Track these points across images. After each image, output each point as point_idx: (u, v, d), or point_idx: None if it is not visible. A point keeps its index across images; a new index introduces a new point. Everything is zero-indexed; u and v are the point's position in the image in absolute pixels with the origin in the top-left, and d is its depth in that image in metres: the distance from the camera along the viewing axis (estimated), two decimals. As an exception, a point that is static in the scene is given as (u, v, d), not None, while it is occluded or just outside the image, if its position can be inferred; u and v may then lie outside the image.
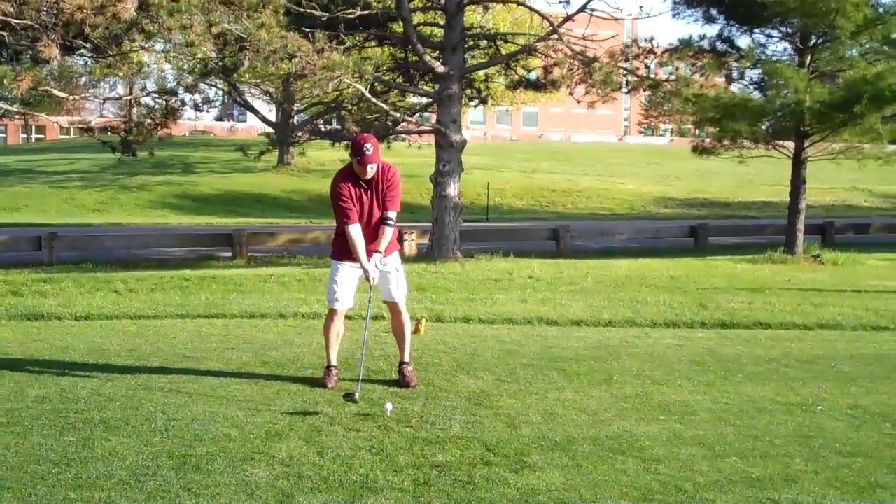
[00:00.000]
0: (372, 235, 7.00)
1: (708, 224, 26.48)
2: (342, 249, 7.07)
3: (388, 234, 7.01)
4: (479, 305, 11.84)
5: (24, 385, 7.07)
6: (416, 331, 9.61)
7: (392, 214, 7.01)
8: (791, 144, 21.46)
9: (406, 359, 7.45)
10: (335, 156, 45.75)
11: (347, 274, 7.15)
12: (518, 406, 6.68)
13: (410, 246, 19.95)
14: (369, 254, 6.94)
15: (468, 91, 22.89)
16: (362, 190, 6.95)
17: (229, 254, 20.37)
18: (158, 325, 10.33)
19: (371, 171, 6.86)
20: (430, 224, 19.87)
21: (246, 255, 20.26)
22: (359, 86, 17.73)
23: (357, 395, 6.41)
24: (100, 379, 7.29)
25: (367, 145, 6.81)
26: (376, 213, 7.00)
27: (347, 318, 7.49)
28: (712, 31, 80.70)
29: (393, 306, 7.34)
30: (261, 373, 7.61)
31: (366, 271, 6.90)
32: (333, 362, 7.32)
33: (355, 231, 6.87)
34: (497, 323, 10.75)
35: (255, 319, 10.84)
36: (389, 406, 6.45)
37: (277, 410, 6.40)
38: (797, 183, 21.28)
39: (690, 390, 7.33)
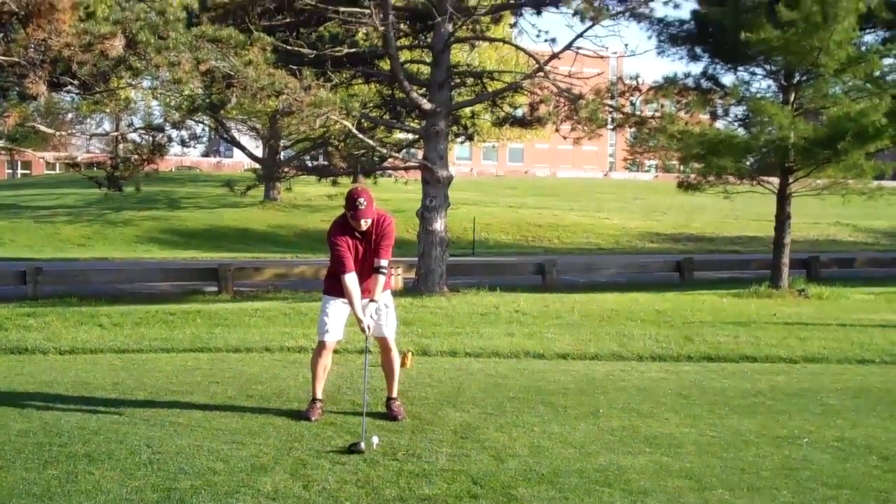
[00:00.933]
0: (365, 280, 7.05)
1: (693, 258, 26.58)
2: (334, 287, 7.12)
3: (381, 281, 7.05)
4: (466, 339, 11.82)
5: (8, 419, 7.02)
6: (402, 364, 9.56)
7: (384, 263, 7.05)
8: (776, 180, 21.61)
9: (394, 394, 7.45)
10: (321, 191, 45.91)
11: (338, 309, 7.18)
12: (505, 439, 6.66)
13: (397, 280, 19.87)
14: (363, 300, 6.98)
15: (455, 127, 23.01)
16: (357, 240, 7.02)
17: (215, 288, 20.32)
18: (143, 359, 10.28)
19: (365, 224, 6.92)
20: (417, 258, 19.88)
21: (231, 290, 20.21)
22: (346, 122, 17.81)
23: (363, 445, 6.30)
24: (84, 412, 7.24)
25: (361, 200, 6.84)
26: (369, 262, 7.05)
27: (334, 352, 7.46)
28: (697, 68, 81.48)
29: (383, 342, 7.35)
30: (246, 406, 7.58)
31: (359, 321, 6.91)
32: (319, 395, 7.30)
33: (351, 281, 6.91)
34: (484, 356, 10.73)
35: (241, 353, 10.80)
36: (376, 439, 6.42)
37: (262, 444, 6.36)
38: (782, 218, 21.41)
39: (677, 423, 7.32)
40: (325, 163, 27.68)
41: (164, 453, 6.06)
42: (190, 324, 13.71)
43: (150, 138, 19.88)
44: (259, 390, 8.27)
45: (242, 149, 43.92)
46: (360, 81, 22.33)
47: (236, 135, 46.86)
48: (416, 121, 21.93)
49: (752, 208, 44.80)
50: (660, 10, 77.36)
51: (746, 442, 6.79)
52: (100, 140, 53.16)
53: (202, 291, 20.04)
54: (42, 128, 19.48)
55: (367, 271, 7.04)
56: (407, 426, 7.00)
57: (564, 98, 19.55)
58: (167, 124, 21.17)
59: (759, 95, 21.17)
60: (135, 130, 21.81)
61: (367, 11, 18.05)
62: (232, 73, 15.95)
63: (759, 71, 21.87)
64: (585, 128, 19.53)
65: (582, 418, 7.41)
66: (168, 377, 8.97)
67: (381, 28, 18.21)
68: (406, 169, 23.10)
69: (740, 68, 21.86)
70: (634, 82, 20.06)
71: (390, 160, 22.57)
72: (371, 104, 22.63)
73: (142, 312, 14.89)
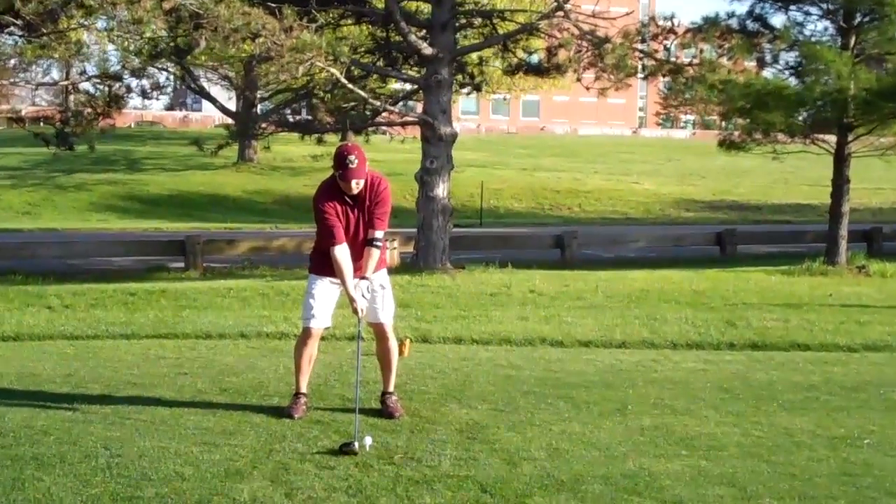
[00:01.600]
0: (357, 255, 7.00)
1: (736, 230, 26.54)
2: (322, 264, 7.08)
3: (375, 256, 7.01)
4: (473, 324, 11.83)
5: (-57, 416, 7.04)
6: (400, 353, 9.60)
7: (379, 234, 7.02)
8: (832, 138, 21.54)
9: (390, 388, 7.46)
10: (305, 150, 45.67)
11: (326, 290, 7.16)
12: (518, 440, 6.67)
13: (392, 255, 19.96)
14: (355, 278, 6.96)
15: (459, 76, 22.93)
16: (348, 206, 6.96)
17: (182, 264, 20.33)
18: (99, 347, 10.29)
19: (356, 187, 6.87)
20: (416, 230, 19.88)
21: (201, 266, 20.22)
22: (333, 70, 17.75)
23: (356, 445, 6.31)
24: (32, 409, 7.25)
25: (351, 157, 6.79)
26: (362, 232, 7.02)
27: (321, 339, 7.47)
28: (742, 7, 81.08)
29: (379, 329, 7.34)
30: (219, 402, 7.59)
31: (352, 300, 6.88)
32: (303, 389, 7.31)
33: (341, 253, 6.87)
34: (493, 344, 10.74)
35: (213, 340, 10.81)
36: (369, 440, 6.43)
37: (238, 445, 6.38)
38: (839, 183, 21.36)
39: (717, 421, 7.33)
40: (309, 117, 27.67)
41: (125, 457, 6.07)
42: (153, 306, 13.72)
43: (106, 88, 19.84)
44: (234, 383, 8.28)
45: (213, 101, 43.85)
46: (349, 22, 22.22)
47: (206, 85, 46.76)
48: (415, 68, 21.85)
49: (804, 171, 44.70)
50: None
51: (798, 443, 6.80)
52: (47, 91, 52.95)
53: (167, 268, 20.04)
54: (-22, 77, 19.45)
55: (360, 244, 7.02)
56: (405, 425, 7.01)
57: (587, 42, 19.45)
58: (125, 72, 21.13)
59: (813, 39, 21.08)
60: (88, 79, 21.77)
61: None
62: (201, 12, 15.89)
63: (814, 10, 21.75)
64: (612, 77, 19.44)
65: (607, 416, 7.42)
66: (128, 368, 8.98)
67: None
68: (403, 125, 23.07)
69: (792, 7, 21.74)
70: (669, 24, 19.94)
71: (384, 114, 22.52)
72: (362, 49, 22.53)
73: (97, 292, 14.90)
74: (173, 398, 7.67)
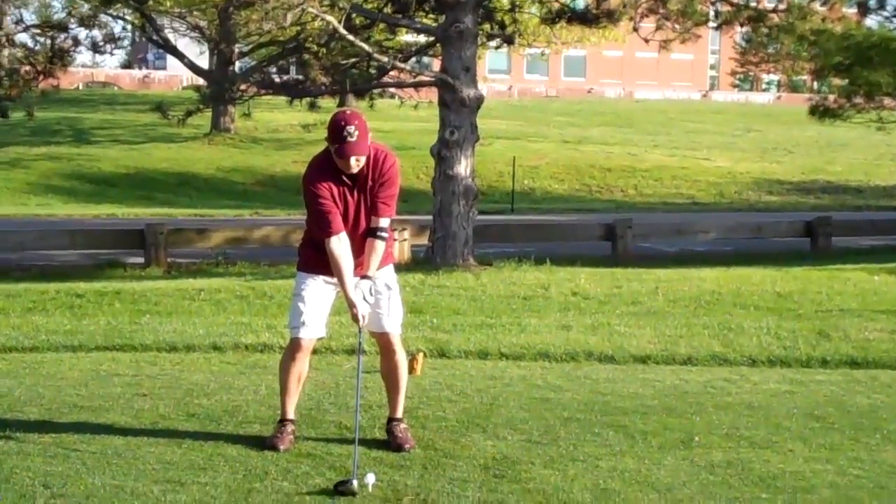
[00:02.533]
0: (358, 249, 7.00)
1: (831, 218, 26.43)
2: (314, 259, 7.07)
3: (379, 250, 7.03)
4: (501, 334, 11.82)
5: None
6: (411, 370, 9.60)
7: (385, 223, 7.03)
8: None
9: (398, 414, 7.44)
10: (294, 118, 45.93)
11: (319, 291, 7.16)
12: (557, 479, 6.67)
13: (402, 249, 19.98)
14: (355, 277, 6.98)
15: (486, 26, 22.89)
16: (346, 188, 6.96)
17: (141, 259, 20.38)
18: (38, 361, 10.31)
19: (356, 164, 6.86)
20: (431, 217, 19.88)
21: (165, 262, 20.27)
22: (329, 17, 17.77)
23: (355, 484, 6.30)
24: (-46, 438, 7.29)
25: (350, 128, 6.77)
26: (364, 220, 7.03)
27: (314, 352, 7.47)
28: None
29: (384, 341, 7.33)
30: (186, 429, 7.60)
31: (351, 305, 6.89)
32: (290, 415, 7.31)
33: (338, 247, 6.85)
34: (527, 359, 10.72)
35: (178, 353, 10.82)
36: (371, 477, 6.44)
37: (209, 483, 6.39)
38: (961, 159, 21.24)
39: (807, 457, 7.31)
40: (300, 77, 27.66)
41: (69, 497, 6.09)
42: (105, 310, 13.75)
43: (48, 41, 19.91)
44: (204, 406, 8.29)
45: (180, 57, 43.94)
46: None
47: (171, 36, 46.89)
48: (432, 15, 21.85)
49: (917, 145, 44.56)
50: None
51: (907, 485, 6.78)
52: (-25, 44, 53.42)
53: (123, 264, 20.09)
54: None
55: (361, 235, 7.03)
56: (417, 459, 7.01)
57: (646, -17, 19.41)
58: (72, 21, 21.20)
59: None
60: (25, 30, 21.85)
61: None
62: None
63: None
64: (676, 26, 19.41)
65: (669, 449, 7.40)
66: (74, 387, 9.00)
67: None
68: (416, 86, 23.08)
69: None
70: (748, -41, 19.89)
71: (393, 73, 22.53)
72: (366, -8, 22.58)
73: (36, 294, 14.94)
74: (129, 425, 7.68)
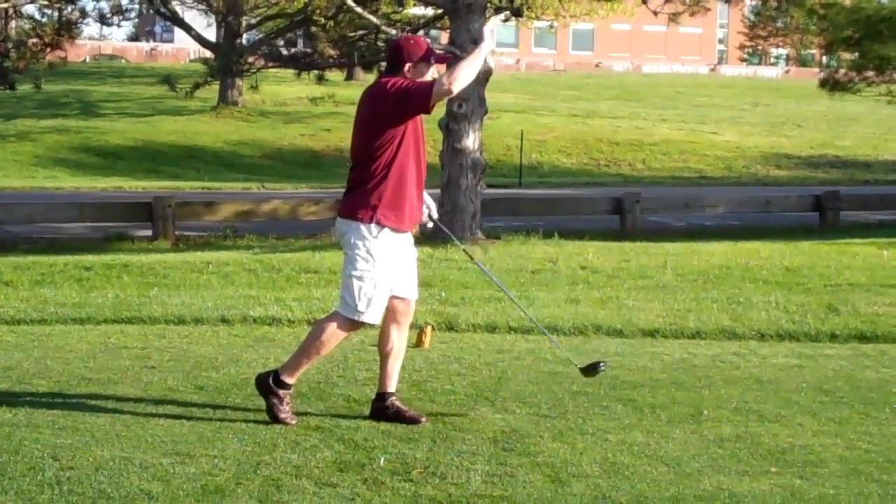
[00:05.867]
0: (419, 184, 7.23)
1: (840, 192, 26.37)
2: (396, 204, 7.07)
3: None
4: (510, 308, 11.81)
5: None
6: (418, 343, 9.62)
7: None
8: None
9: (394, 387, 7.40)
10: (302, 91, 45.87)
11: (399, 254, 7.14)
12: (566, 452, 6.67)
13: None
14: (416, 216, 7.23)
15: (494, -2, 22.83)
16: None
17: (149, 232, 20.39)
18: (47, 334, 10.33)
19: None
20: (439, 191, 19.86)
21: (173, 235, 20.28)
22: (336, -10, 17.71)
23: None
24: (-37, 410, 7.31)
25: (428, 40, 7.14)
26: (423, 156, 7.21)
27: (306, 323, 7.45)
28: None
29: (407, 307, 7.32)
30: (194, 401, 7.62)
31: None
32: (290, 380, 7.21)
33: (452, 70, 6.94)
34: (535, 333, 10.71)
35: (187, 326, 10.84)
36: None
37: (218, 456, 6.39)
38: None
39: (815, 431, 7.30)
40: (307, 50, 27.62)
41: (78, 469, 6.09)
42: (113, 283, 13.76)
43: (55, 13, 19.87)
44: (213, 379, 8.31)
45: (188, 29, 43.88)
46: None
47: (178, 9, 46.80)
48: (439, -11, 21.76)
49: (926, 119, 44.43)
50: None
51: (916, 459, 6.78)
52: (-18, 17, 53.39)
53: (131, 237, 20.12)
54: None
55: (422, 172, 7.27)
56: (426, 432, 7.01)
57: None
58: (79, -7, 21.11)
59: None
60: (33, 1, 21.80)
61: None
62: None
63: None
64: None
65: (678, 423, 7.40)
66: (83, 360, 9.02)
67: None
68: (424, 60, 22.95)
69: None
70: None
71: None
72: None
73: (44, 266, 14.95)
74: (138, 397, 7.70)
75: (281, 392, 7.09)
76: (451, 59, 7.12)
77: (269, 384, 7.11)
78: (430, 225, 7.58)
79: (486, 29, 7.16)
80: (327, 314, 7.51)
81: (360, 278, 6.95)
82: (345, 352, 9.25)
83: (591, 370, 7.56)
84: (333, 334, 7.09)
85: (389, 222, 6.97)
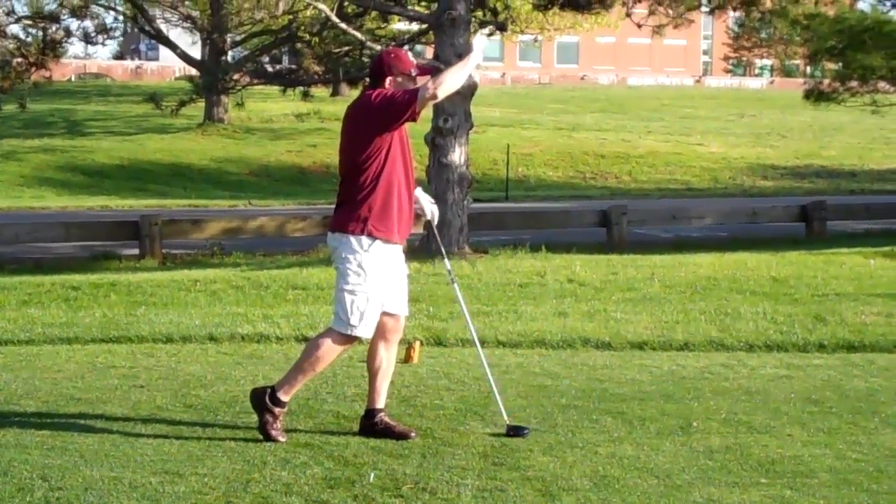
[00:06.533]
0: (409, 196, 7.27)
1: (826, 202, 26.42)
2: (385, 215, 7.09)
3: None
4: (498, 321, 11.81)
5: None
6: (406, 359, 9.61)
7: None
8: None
9: (382, 404, 7.39)
10: (287, 108, 45.90)
11: (390, 268, 7.16)
12: (556, 466, 6.67)
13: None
14: (406, 229, 7.24)
15: (479, 13, 22.87)
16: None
17: (136, 251, 20.37)
18: (35, 354, 10.30)
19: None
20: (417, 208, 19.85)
21: (160, 253, 20.26)
22: (321, 6, 17.77)
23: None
24: (-49, 431, 7.28)
25: (410, 53, 7.22)
26: (411, 167, 7.26)
27: (307, 339, 7.45)
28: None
29: (397, 323, 7.34)
30: (183, 419, 7.61)
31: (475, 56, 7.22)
32: (285, 398, 7.21)
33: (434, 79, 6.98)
34: (524, 346, 10.73)
35: (175, 344, 10.82)
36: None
37: (208, 474, 6.38)
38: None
39: (805, 441, 7.31)
40: (293, 66, 27.63)
41: (68, 489, 6.08)
42: (101, 302, 13.74)
43: (40, 32, 19.85)
44: (202, 397, 8.30)
45: (173, 47, 43.87)
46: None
47: (163, 27, 46.81)
48: (424, 3, 21.80)
49: (911, 128, 44.56)
50: None
51: (906, 468, 6.78)
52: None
53: (118, 255, 20.08)
54: None
55: (411, 183, 7.30)
56: (416, 447, 7.00)
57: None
58: (64, 11, 21.13)
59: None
60: (17, 21, 21.79)
61: None
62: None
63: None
64: (669, 11, 19.39)
65: (667, 435, 7.41)
66: (71, 379, 9.00)
67: None
68: (409, 75, 22.98)
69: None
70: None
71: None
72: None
73: (31, 286, 14.92)
74: (126, 416, 7.69)
75: (276, 409, 7.09)
76: (434, 73, 7.13)
77: (265, 401, 7.10)
78: (434, 221, 7.69)
79: (476, 42, 7.15)
80: (321, 331, 7.50)
81: (351, 292, 6.96)
82: (333, 368, 9.22)
83: (515, 431, 7.32)
84: (328, 350, 7.11)
85: (380, 234, 6.99)
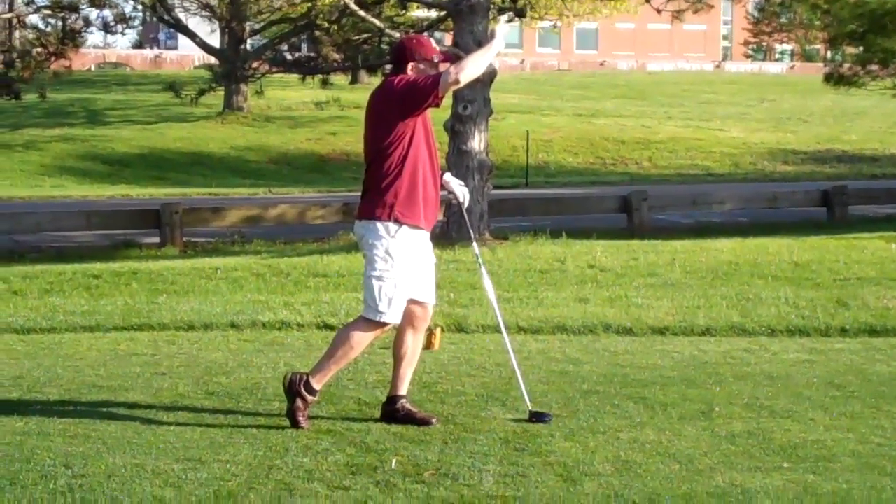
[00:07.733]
0: (434, 182, 7.22)
1: (847, 187, 26.34)
2: (411, 201, 7.09)
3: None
4: (519, 308, 11.81)
5: None
6: (427, 345, 9.60)
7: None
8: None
9: (404, 391, 7.39)
10: (306, 95, 45.88)
11: (418, 255, 7.17)
12: (578, 451, 6.67)
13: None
14: (433, 214, 7.24)
15: (498, -1, 22.83)
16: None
17: (157, 239, 20.42)
18: (56, 342, 10.34)
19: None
20: (446, 192, 19.85)
21: (180, 241, 20.30)
22: (340, -7, 17.71)
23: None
24: (-26, 419, 7.31)
25: (432, 40, 7.26)
26: (435, 153, 7.22)
27: (330, 327, 7.46)
28: None
29: (424, 312, 7.34)
30: (205, 408, 7.62)
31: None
32: (318, 387, 7.22)
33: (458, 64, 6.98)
34: (544, 332, 10.73)
35: (196, 332, 10.85)
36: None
37: (230, 461, 6.39)
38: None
39: (827, 426, 7.29)
40: (312, 54, 27.64)
41: (90, 476, 6.10)
42: (122, 290, 13.78)
43: (59, 22, 19.89)
44: (224, 384, 8.31)
45: (192, 36, 43.89)
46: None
47: (182, 16, 46.81)
48: (442, -9, 21.76)
49: (933, 112, 44.37)
50: None
51: (929, 452, 6.76)
52: (-14, 27, 53.48)
53: (139, 244, 20.13)
54: None
55: (436, 169, 7.26)
56: (437, 434, 7.01)
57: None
58: (83, 1, 21.17)
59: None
60: (37, 10, 21.84)
61: None
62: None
63: None
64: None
65: (689, 420, 7.40)
66: (93, 367, 9.03)
67: None
68: (428, 62, 22.97)
69: None
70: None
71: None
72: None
73: (53, 275, 14.97)
74: (148, 404, 7.71)
75: (309, 398, 7.10)
76: (455, 59, 7.12)
77: (299, 388, 7.10)
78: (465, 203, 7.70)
79: (499, 30, 7.15)
80: (350, 320, 7.49)
81: (379, 278, 6.97)
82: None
83: (538, 417, 7.33)
84: (360, 339, 7.12)
85: (407, 219, 6.99)
